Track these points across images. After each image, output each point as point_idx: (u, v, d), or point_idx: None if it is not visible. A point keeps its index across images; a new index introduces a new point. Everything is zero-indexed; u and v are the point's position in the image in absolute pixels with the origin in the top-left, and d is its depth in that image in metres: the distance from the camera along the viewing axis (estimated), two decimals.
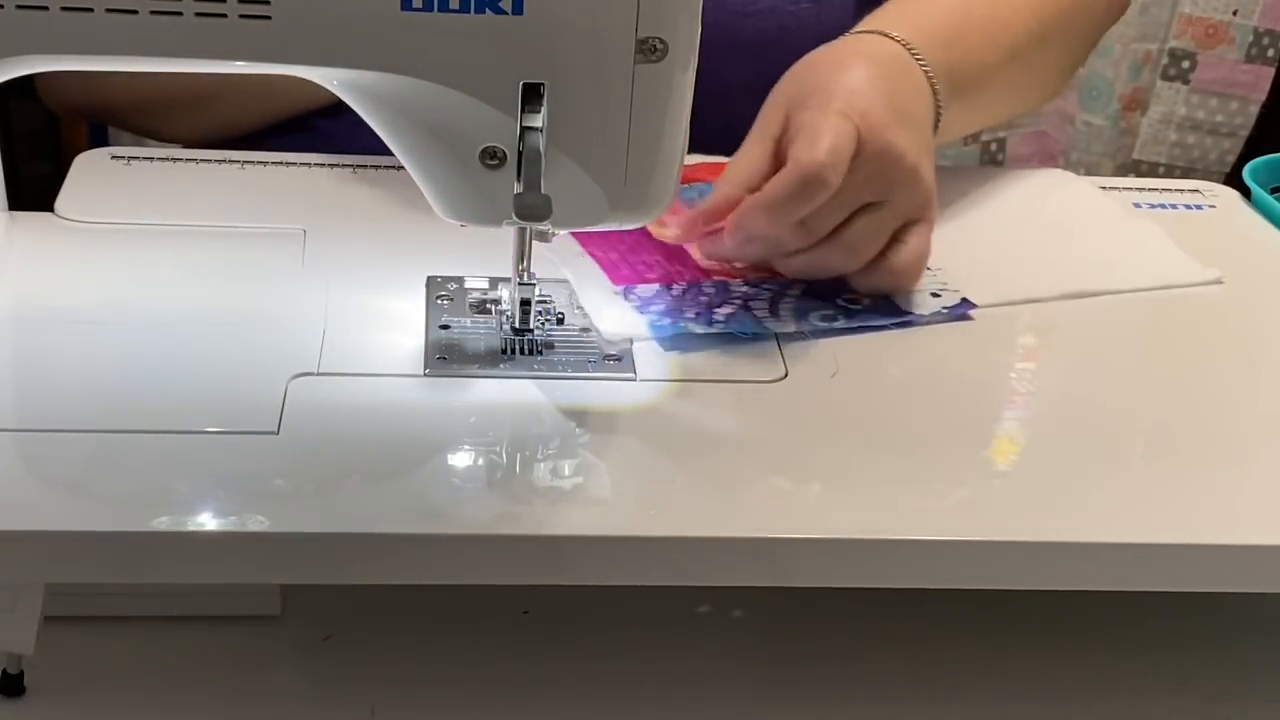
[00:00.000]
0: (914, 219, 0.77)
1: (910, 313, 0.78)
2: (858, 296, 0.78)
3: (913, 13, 0.84)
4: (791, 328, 0.75)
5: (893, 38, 0.80)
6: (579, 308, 0.75)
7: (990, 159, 1.68)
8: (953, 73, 0.82)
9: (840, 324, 0.76)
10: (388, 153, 0.68)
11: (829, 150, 0.71)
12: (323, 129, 0.95)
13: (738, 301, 0.77)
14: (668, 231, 0.79)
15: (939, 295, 0.80)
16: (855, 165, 0.73)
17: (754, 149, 0.76)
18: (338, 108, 0.84)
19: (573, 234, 0.79)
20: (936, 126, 0.81)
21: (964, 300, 0.79)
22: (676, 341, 0.74)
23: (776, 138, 0.75)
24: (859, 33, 0.82)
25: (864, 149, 0.73)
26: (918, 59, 0.80)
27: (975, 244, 0.86)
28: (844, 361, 0.74)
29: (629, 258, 0.80)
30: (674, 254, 0.80)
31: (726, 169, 0.77)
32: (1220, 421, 0.72)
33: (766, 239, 0.75)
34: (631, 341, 0.73)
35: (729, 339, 0.74)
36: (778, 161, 0.75)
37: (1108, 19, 0.99)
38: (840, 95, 0.74)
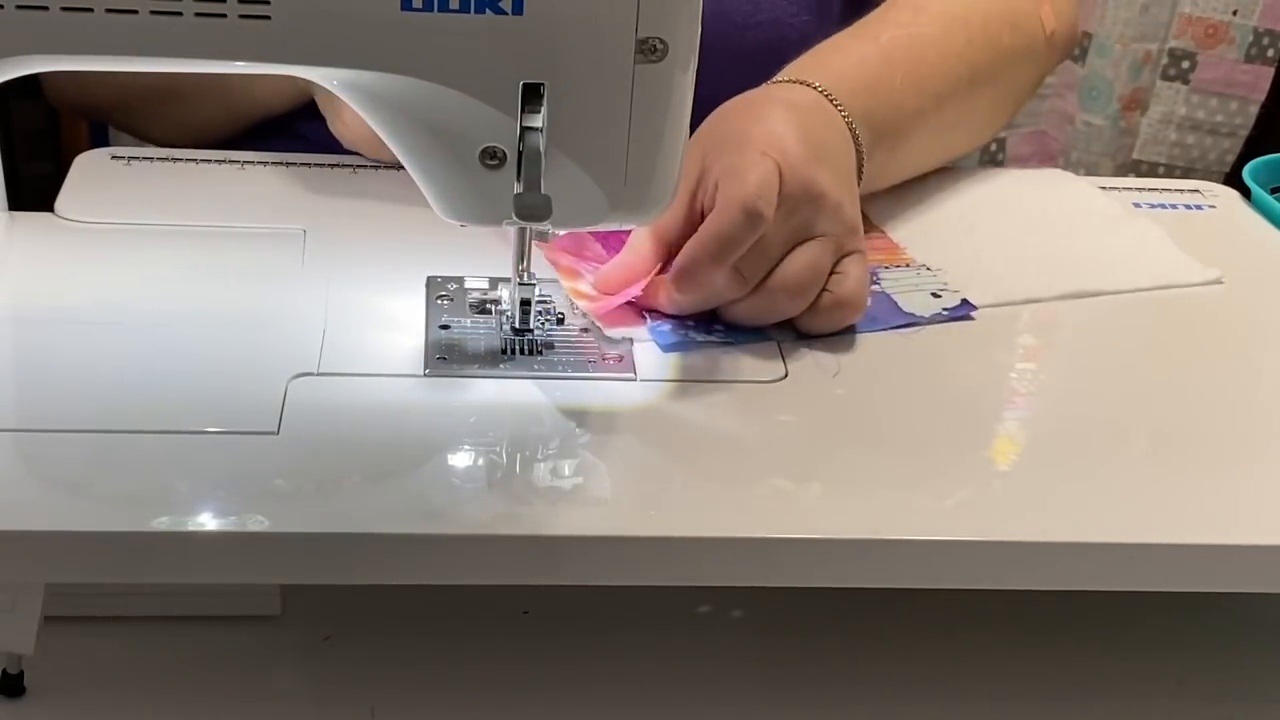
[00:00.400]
0: (846, 252, 0.75)
1: (910, 314, 0.78)
2: None
3: (830, 62, 0.83)
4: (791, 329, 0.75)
5: (810, 85, 0.79)
6: (579, 308, 0.75)
7: (990, 159, 1.68)
8: (873, 118, 0.81)
9: None
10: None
11: (756, 183, 0.70)
12: (309, 134, 0.95)
13: None
14: (583, 287, 0.76)
15: (939, 296, 0.80)
16: (778, 203, 0.71)
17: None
18: (316, 109, 0.83)
19: (572, 234, 0.79)
20: (861, 172, 0.80)
21: (964, 302, 0.79)
22: (676, 342, 0.74)
23: (693, 190, 0.73)
24: (776, 82, 0.81)
25: (785, 186, 0.72)
26: (836, 105, 0.79)
27: (975, 244, 0.86)
28: (844, 361, 0.74)
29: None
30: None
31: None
32: (1220, 421, 0.72)
33: (707, 287, 0.73)
34: (631, 341, 0.73)
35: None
36: (693, 215, 0.73)
37: (1052, 55, 0.97)
38: (757, 138, 0.73)
